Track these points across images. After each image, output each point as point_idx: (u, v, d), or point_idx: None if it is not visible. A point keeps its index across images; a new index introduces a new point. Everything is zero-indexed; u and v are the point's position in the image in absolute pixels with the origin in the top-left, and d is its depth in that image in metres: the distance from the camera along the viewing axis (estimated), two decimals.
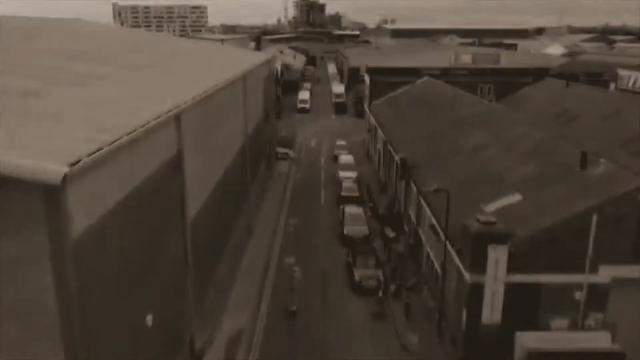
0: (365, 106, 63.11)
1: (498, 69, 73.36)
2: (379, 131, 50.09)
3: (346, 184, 43.63)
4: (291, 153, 57.93)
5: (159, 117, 16.44)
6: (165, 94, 21.24)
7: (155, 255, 16.82)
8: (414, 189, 32.07)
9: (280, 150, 57.71)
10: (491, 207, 24.23)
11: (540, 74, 72.61)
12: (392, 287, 28.48)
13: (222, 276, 26.59)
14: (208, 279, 23.95)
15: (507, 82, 62.93)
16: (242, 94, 34.20)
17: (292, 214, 40.91)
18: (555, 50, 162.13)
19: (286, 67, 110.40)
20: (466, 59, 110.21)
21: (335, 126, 76.82)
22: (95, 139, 12.77)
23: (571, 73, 62.04)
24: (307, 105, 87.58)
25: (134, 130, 14.40)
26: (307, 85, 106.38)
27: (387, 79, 60.94)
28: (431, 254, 28.20)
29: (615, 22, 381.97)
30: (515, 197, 24.12)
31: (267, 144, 48.98)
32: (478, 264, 20.85)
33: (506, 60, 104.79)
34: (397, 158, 35.62)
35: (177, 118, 18.71)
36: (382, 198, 43.09)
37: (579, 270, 21.04)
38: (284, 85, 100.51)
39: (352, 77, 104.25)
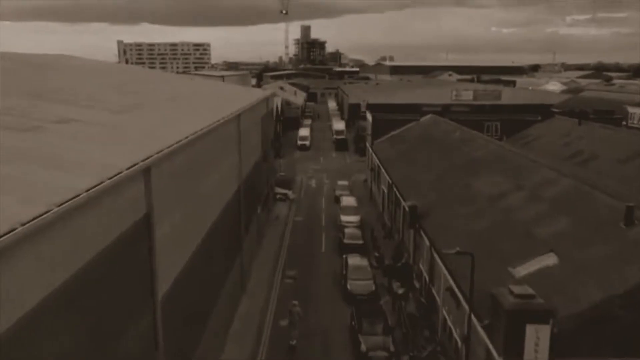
0: (367, 144, 59.61)
1: (503, 106, 70.06)
2: (383, 171, 46.41)
3: (349, 230, 39.63)
4: (290, 194, 54.11)
5: (117, 175, 12.62)
6: (137, 141, 17.49)
7: (109, 348, 12.79)
8: (426, 241, 28.08)
9: (279, 190, 53.91)
10: (522, 270, 20.25)
11: (544, 110, 70.19)
12: (405, 358, 24.26)
13: (206, 348, 22.38)
14: (187, 356, 19.79)
15: (514, 120, 59.48)
16: (237, 134, 30.55)
17: (291, 263, 36.81)
18: (553, 86, 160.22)
19: (287, 103, 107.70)
20: (467, 95, 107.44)
21: (336, 164, 73.22)
22: (15, 212, 8.95)
23: (581, 110, 58.65)
24: (308, 143, 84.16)
25: (76, 197, 10.57)
26: (308, 121, 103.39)
27: (389, 116, 57.57)
28: (449, 320, 24.05)
29: (608, 60, 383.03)
30: (550, 259, 20.16)
31: (265, 185, 45.23)
32: (513, 346, 16.76)
33: (507, 96, 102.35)
34: (405, 205, 31.75)
35: (146, 172, 14.91)
36: (387, 244, 39.10)
37: (637, 354, 16.94)
38: (285, 121, 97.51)
39: (352, 114, 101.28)
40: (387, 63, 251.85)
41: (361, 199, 51.77)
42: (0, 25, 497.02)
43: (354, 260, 33.45)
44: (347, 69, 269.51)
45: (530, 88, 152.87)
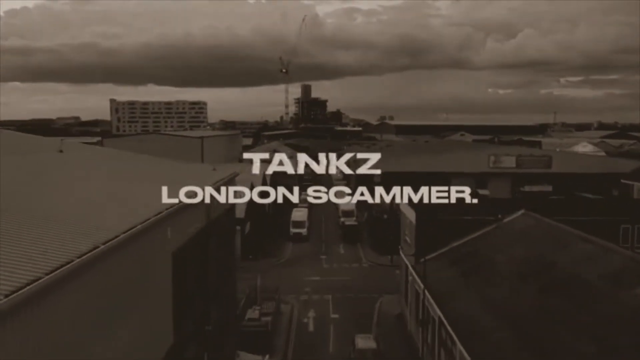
0: (407, 262, 32.77)
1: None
2: (455, 340, 20.08)
3: None
4: None
5: None
6: None
7: None
8: None
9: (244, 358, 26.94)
10: None
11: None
12: None
13: None
14: None
15: None
16: None
17: None
18: (584, 148, 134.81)
19: (280, 170, 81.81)
20: (509, 161, 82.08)
21: (347, 269, 46.43)
22: None
23: None
24: (304, 231, 57.48)
25: None
26: (305, 195, 76.83)
27: (447, 215, 31.01)
28: None
29: (605, 120, 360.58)
30: None
31: None
32: None
33: (558, 163, 76.94)
34: None
35: None
36: None
37: None
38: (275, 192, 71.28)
39: (362, 184, 74.64)
40: (393, 122, 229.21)
41: None
42: (9, 86, 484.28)
43: None
44: (349, 128, 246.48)
45: (557, 150, 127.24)
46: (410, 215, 31.78)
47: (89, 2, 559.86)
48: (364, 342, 27.84)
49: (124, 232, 11.20)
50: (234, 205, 29.40)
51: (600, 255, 21.26)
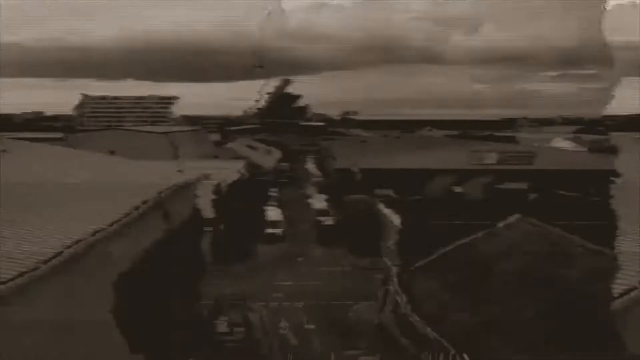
0: (390, 268, 30.03)
1: None
2: None
3: None
4: None
5: None
6: None
7: None
8: None
9: None
10: None
11: None
12: None
13: None
14: None
15: None
16: None
17: None
18: (561, 144, 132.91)
19: (253, 167, 78.45)
20: (490, 158, 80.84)
21: (324, 276, 43.23)
22: None
23: None
24: (280, 231, 53.98)
25: None
26: (279, 194, 73.62)
27: (432, 216, 28.37)
28: None
29: (567, 113, 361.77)
30: None
31: None
32: None
33: (543, 160, 75.27)
34: None
35: None
36: None
37: None
38: (248, 194, 68.15)
39: (339, 182, 71.35)
40: (358, 117, 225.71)
41: None
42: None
43: None
44: (313, 123, 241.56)
45: (536, 145, 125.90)
46: (394, 218, 29.07)
47: None
48: None
49: (31, 270, 8.07)
50: (199, 206, 26.34)
51: (613, 271, 18.85)
